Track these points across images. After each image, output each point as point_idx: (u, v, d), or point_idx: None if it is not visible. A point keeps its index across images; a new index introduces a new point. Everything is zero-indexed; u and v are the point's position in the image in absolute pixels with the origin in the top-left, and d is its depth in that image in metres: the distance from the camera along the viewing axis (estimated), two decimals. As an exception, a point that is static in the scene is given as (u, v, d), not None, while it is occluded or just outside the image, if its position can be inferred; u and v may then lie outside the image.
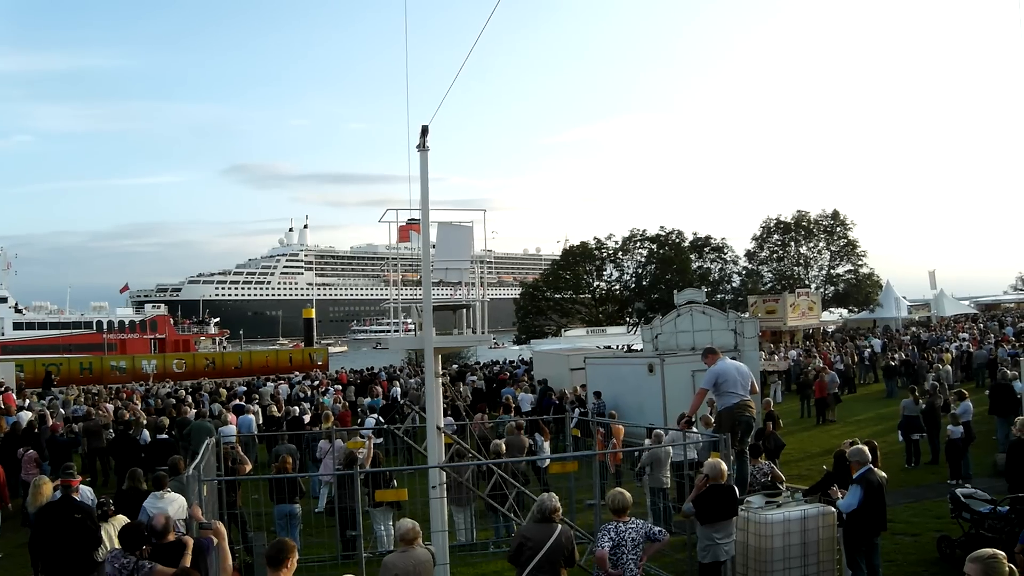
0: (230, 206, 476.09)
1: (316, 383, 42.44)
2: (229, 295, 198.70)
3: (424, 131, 10.61)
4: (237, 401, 30.48)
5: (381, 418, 24.18)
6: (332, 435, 18.04)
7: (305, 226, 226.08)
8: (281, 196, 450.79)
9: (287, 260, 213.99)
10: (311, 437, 20.78)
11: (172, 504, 10.60)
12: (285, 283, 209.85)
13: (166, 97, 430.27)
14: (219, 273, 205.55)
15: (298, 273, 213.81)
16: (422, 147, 10.64)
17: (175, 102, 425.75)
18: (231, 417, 24.07)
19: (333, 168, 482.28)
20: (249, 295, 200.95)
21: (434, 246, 11.12)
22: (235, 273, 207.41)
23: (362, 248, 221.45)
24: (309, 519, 16.22)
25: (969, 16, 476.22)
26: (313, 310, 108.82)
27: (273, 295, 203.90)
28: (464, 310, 11.90)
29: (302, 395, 35.96)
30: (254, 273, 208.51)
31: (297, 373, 54.83)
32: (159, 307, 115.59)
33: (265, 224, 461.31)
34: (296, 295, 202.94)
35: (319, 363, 67.05)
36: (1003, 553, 5.56)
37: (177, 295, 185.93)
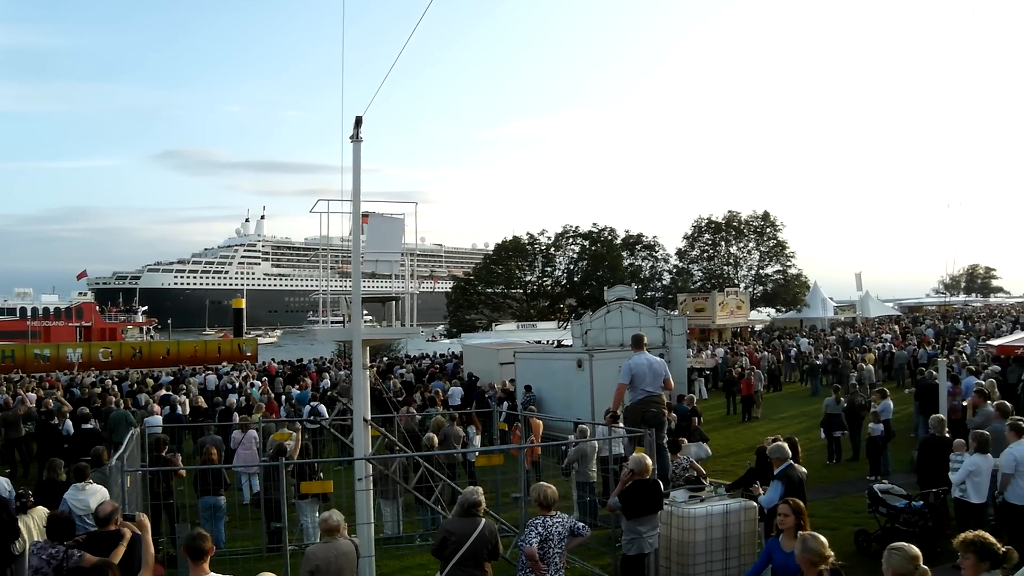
0: (161, 192, 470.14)
1: (244, 374, 42.05)
2: (188, 284, 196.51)
3: (358, 122, 10.51)
4: (163, 391, 30.10)
5: (323, 407, 24.09)
6: (248, 426, 17.94)
7: (262, 216, 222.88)
8: (214, 183, 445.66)
9: (245, 250, 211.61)
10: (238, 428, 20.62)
11: (94, 496, 10.42)
12: (243, 273, 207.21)
13: (97, 78, 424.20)
14: (177, 262, 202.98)
15: (255, 263, 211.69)
16: (355, 138, 10.54)
17: (106, 83, 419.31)
18: (156, 408, 23.77)
19: (268, 156, 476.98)
20: (207, 284, 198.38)
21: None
22: (193, 262, 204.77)
23: (316, 239, 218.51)
24: (235, 511, 16.09)
25: (898, 24, 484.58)
26: (244, 300, 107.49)
27: (231, 285, 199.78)
28: (394, 302, 11.86)
29: (230, 386, 35.58)
30: (212, 263, 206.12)
31: (225, 363, 54.33)
32: (85, 294, 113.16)
33: (197, 212, 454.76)
34: (254, 285, 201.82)
35: (248, 354, 66.55)
36: (910, 546, 5.75)
37: (136, 283, 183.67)
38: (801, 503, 8.02)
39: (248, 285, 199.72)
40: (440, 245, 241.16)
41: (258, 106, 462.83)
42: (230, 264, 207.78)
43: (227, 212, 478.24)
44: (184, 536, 11.07)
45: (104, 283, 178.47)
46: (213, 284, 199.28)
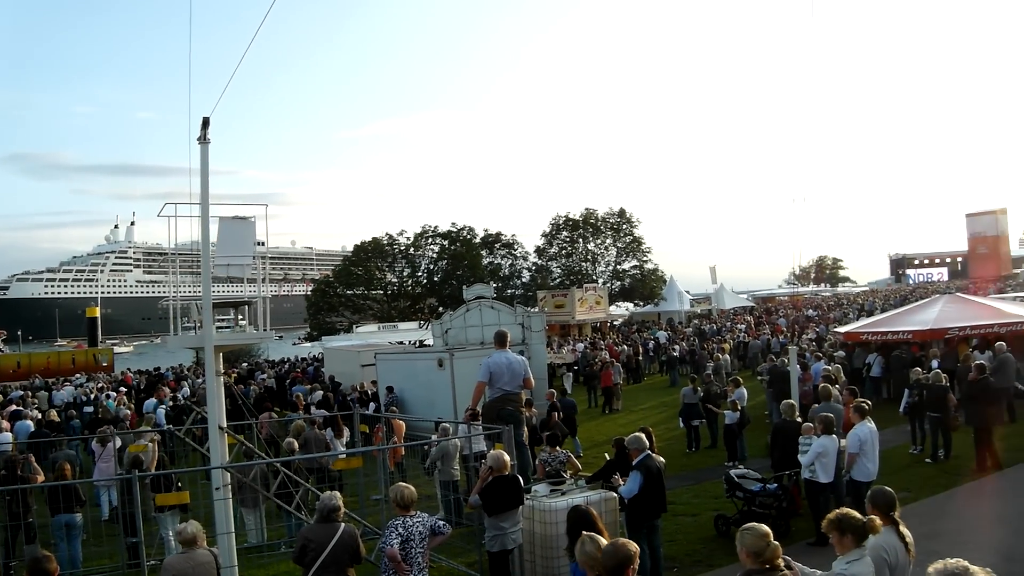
0: (6, 198, 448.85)
1: (100, 385, 40.70)
2: (59, 293, 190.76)
3: (205, 123, 10.29)
4: (13, 406, 28.92)
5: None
6: (106, 439, 17.38)
7: (132, 223, 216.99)
8: (65, 188, 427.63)
9: (116, 257, 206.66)
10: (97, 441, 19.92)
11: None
12: (115, 280, 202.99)
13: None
14: (47, 271, 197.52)
15: (127, 271, 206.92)
16: (203, 140, 10.32)
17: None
18: (5, 424, 22.84)
19: (122, 159, 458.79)
20: (79, 293, 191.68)
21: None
22: (64, 271, 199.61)
23: (187, 244, 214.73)
24: (96, 528, 15.57)
25: (743, 26, 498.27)
26: (98, 308, 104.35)
27: (103, 293, 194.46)
28: (247, 307, 11.64)
29: (85, 398, 34.46)
30: (83, 271, 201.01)
31: (80, 375, 52.58)
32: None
33: (48, 218, 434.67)
34: (126, 292, 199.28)
35: (104, 364, 64.40)
36: (760, 525, 5.94)
37: (5, 293, 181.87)
38: (587, 510, 8.08)
39: (120, 293, 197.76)
40: (311, 248, 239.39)
41: (109, 108, 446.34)
42: (101, 272, 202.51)
43: (80, 218, 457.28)
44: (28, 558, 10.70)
45: None
46: (85, 292, 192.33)
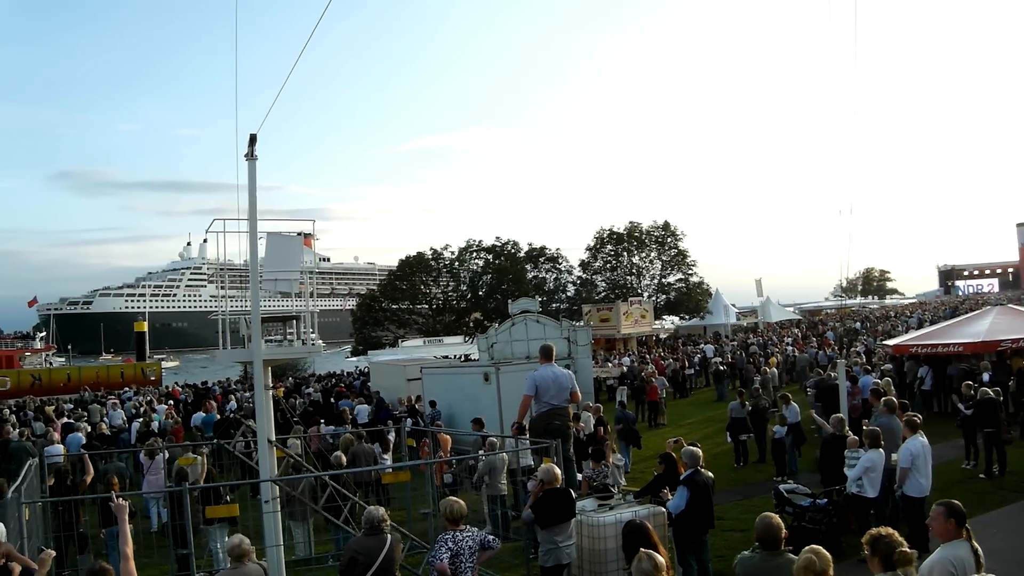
0: (55, 214, 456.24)
1: (148, 399, 41.05)
2: (138, 308, 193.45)
3: (252, 140, 10.39)
4: (65, 419, 29.26)
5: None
6: (155, 451, 17.49)
7: (205, 240, 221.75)
8: (110, 204, 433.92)
9: (191, 273, 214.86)
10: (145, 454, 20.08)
11: (-10, 532, 10.03)
12: (190, 296, 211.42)
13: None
14: (126, 286, 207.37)
15: (201, 286, 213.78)
16: (250, 156, 10.42)
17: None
18: (56, 436, 23.07)
19: (167, 175, 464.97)
20: (156, 308, 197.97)
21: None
22: (142, 286, 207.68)
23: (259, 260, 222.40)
24: (146, 540, 15.68)
25: (788, 40, 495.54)
26: (146, 323, 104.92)
27: (179, 307, 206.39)
28: (295, 321, 11.72)
29: (134, 411, 34.75)
30: (160, 286, 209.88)
31: (128, 388, 53.06)
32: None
33: (94, 234, 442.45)
34: (201, 307, 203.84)
35: (152, 378, 64.93)
36: (816, 549, 5.83)
37: (88, 308, 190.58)
38: (643, 525, 7.95)
39: (195, 307, 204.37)
40: (373, 263, 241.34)
41: (154, 124, 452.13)
42: (178, 287, 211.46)
43: (126, 234, 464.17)
44: (86, 568, 10.77)
45: (56, 309, 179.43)
46: (162, 307, 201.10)
